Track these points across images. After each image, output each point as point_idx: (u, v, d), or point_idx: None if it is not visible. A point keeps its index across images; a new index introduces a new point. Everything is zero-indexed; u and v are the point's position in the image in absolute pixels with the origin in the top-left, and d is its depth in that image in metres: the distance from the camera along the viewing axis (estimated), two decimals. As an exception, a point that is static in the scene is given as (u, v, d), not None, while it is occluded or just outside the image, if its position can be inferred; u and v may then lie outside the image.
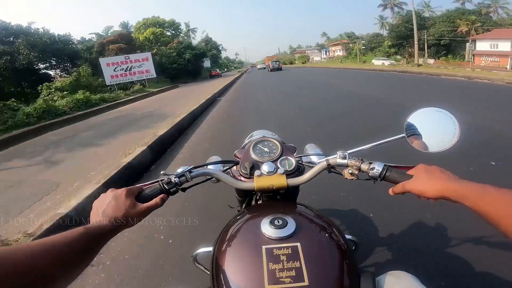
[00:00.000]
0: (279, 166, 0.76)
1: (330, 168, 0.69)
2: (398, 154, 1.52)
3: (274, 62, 36.57)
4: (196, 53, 33.00)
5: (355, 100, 7.41)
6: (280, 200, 0.81)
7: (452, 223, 1.77)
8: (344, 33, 56.96)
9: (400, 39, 35.50)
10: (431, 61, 30.38)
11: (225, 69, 60.56)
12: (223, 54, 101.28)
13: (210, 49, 65.92)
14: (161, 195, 0.64)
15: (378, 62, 32.43)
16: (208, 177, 0.75)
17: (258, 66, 58.78)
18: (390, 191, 0.62)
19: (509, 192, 0.42)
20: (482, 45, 27.40)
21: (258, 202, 0.88)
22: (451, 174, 0.53)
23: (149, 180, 0.68)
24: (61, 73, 20.67)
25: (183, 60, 29.33)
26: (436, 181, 0.52)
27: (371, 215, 1.98)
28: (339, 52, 54.22)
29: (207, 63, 53.51)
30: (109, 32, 32.44)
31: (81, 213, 2.23)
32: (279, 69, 34.67)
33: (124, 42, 23.68)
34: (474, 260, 1.48)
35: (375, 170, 0.62)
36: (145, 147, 3.79)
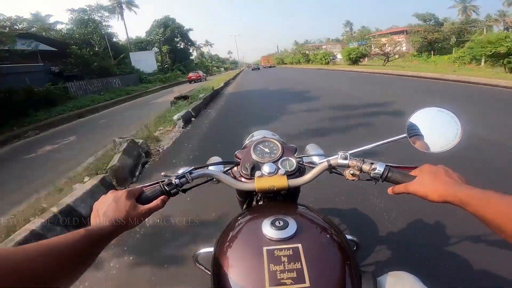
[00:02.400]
0: (280, 167, 0.75)
1: (331, 168, 0.69)
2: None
3: (255, 65, 56.60)
4: None
5: None
6: (281, 201, 0.80)
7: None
8: (414, 14, 35.06)
9: None
10: None
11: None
12: (209, 51, 77.78)
13: (171, 38, 39.20)
14: (162, 197, 0.64)
15: None
16: (208, 178, 0.75)
17: (252, 67, 56.77)
18: (389, 191, 0.61)
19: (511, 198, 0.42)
20: None
21: (259, 203, 0.88)
22: (456, 177, 0.53)
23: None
24: None
25: None
26: (439, 185, 0.51)
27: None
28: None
29: (148, 64, 29.14)
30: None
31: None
32: (258, 68, 48.59)
33: None
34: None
35: (376, 171, 0.61)
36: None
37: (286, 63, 57.41)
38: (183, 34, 43.62)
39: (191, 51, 52.60)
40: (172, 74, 32.28)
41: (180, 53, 43.44)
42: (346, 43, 46.87)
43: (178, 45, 43.75)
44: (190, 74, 28.04)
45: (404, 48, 27.97)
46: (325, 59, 33.70)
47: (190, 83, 25.58)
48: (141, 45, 38.36)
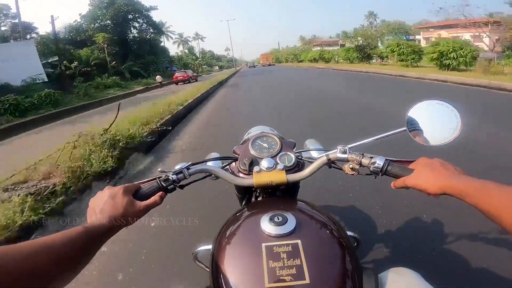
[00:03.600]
0: (279, 162, 0.74)
1: (330, 163, 0.68)
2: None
3: (251, 63, 58.73)
4: None
5: None
6: (280, 197, 0.80)
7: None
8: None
9: None
10: None
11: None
12: (200, 45, 67.01)
13: (122, 22, 24.98)
14: (159, 193, 0.63)
15: None
16: (206, 174, 0.74)
17: (249, 65, 57.73)
18: (392, 185, 0.61)
19: (510, 188, 0.42)
20: None
21: (258, 199, 0.87)
22: (453, 168, 0.52)
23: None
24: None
25: None
26: (437, 177, 0.51)
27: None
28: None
29: (21, 65, 12.34)
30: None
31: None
32: (254, 66, 52.26)
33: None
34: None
35: (376, 165, 0.61)
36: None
37: (302, 61, 40.76)
38: (145, 17, 26.86)
39: (162, 42, 35.12)
40: (85, 86, 14.41)
41: (137, 45, 26.71)
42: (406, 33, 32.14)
43: (137, 33, 27.68)
44: (177, 74, 22.89)
45: (486, 47, 16.74)
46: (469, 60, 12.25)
47: (177, 84, 20.82)
48: (72, 36, 24.02)
